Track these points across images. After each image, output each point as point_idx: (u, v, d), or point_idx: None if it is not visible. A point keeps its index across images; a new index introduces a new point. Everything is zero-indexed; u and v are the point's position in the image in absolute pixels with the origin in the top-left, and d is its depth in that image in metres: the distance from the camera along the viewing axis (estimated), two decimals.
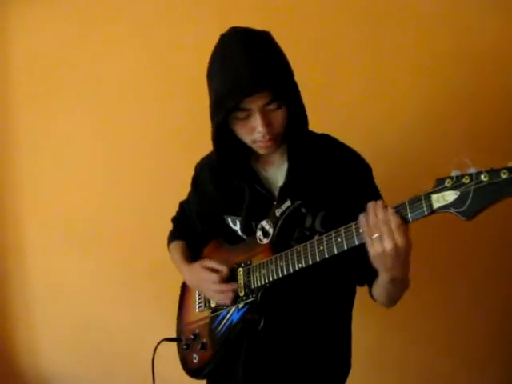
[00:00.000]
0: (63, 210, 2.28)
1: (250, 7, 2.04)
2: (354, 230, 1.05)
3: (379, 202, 1.01)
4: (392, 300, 1.23)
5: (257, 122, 1.15)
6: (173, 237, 1.57)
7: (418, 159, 1.97)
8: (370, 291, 1.25)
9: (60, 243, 2.29)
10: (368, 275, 1.19)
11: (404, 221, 0.97)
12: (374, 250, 1.01)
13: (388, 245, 0.98)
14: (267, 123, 1.16)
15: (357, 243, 1.04)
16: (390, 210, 0.98)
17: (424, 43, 1.98)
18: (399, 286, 1.13)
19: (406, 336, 2.09)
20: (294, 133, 1.24)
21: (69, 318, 2.29)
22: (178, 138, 2.14)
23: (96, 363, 2.29)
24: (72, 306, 2.29)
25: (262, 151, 1.24)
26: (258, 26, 1.20)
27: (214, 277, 1.29)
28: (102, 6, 2.20)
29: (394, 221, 0.97)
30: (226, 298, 1.29)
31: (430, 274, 2.00)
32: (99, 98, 2.23)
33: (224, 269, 1.29)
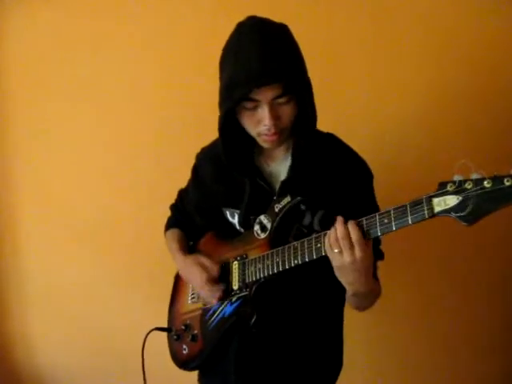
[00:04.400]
0: (60, 206, 2.26)
1: (253, 4, 2.03)
2: None
3: (340, 218, 1.04)
4: (361, 308, 1.27)
5: (264, 114, 1.14)
6: (170, 224, 1.57)
7: (419, 159, 1.98)
8: None
9: (56, 240, 2.27)
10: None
11: (364, 235, 1.01)
12: (334, 262, 1.06)
13: (347, 258, 1.02)
14: (274, 116, 1.15)
15: None
16: (351, 224, 1.02)
17: (428, 44, 1.98)
18: (363, 299, 1.17)
19: (403, 330, 2.09)
20: (301, 129, 1.23)
21: (65, 315, 2.28)
22: (177, 136, 2.13)
23: (92, 360, 2.28)
24: (68, 304, 2.27)
25: (266, 145, 1.23)
26: None
27: (204, 275, 1.30)
28: (99, 4, 2.17)
29: (353, 235, 1.01)
30: (212, 298, 1.31)
31: (429, 267, 2.02)
32: (97, 94, 2.20)
33: (214, 269, 1.30)
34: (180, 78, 2.13)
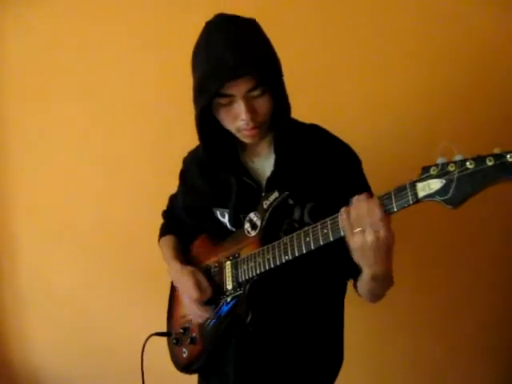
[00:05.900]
0: (57, 210, 2.26)
1: (252, 6, 2.01)
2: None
3: (362, 196, 0.98)
4: (375, 296, 1.20)
5: (240, 108, 1.13)
6: (163, 231, 1.56)
7: (413, 154, 1.94)
8: (355, 286, 1.23)
9: (52, 241, 2.27)
10: (352, 270, 1.16)
11: (388, 212, 0.94)
12: (353, 242, 0.98)
13: (369, 237, 0.95)
14: (250, 110, 1.14)
15: (342, 234, 1.02)
16: (374, 202, 0.95)
17: (423, 39, 1.96)
18: (381, 283, 1.10)
19: (404, 326, 2.07)
20: (280, 122, 1.21)
21: (63, 319, 2.28)
22: (174, 138, 2.09)
23: (90, 365, 2.28)
24: (64, 305, 2.27)
25: (246, 140, 1.22)
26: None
27: (195, 295, 1.28)
28: (97, 3, 2.17)
29: (376, 213, 0.94)
30: (197, 318, 1.32)
31: (430, 260, 2.01)
32: (95, 95, 2.20)
33: (207, 292, 1.29)
34: (177, 77, 2.07)
